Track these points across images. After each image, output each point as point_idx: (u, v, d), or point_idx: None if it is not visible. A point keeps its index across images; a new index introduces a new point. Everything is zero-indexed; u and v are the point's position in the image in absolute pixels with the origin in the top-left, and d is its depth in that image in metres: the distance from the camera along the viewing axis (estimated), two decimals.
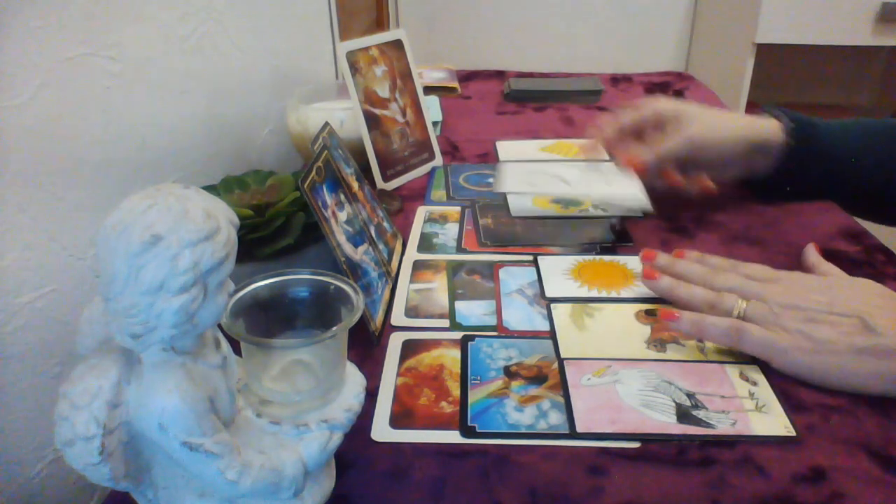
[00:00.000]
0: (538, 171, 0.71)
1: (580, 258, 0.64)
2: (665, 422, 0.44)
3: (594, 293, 0.59)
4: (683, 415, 0.45)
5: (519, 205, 0.74)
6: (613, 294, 0.58)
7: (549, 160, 0.88)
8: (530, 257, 0.65)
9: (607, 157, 0.89)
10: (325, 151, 0.57)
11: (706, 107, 0.72)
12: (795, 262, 0.61)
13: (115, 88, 0.58)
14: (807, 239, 0.63)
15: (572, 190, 0.68)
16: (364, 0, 1.44)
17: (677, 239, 0.68)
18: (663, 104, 0.73)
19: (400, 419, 0.45)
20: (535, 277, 0.61)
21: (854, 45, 1.46)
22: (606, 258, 0.64)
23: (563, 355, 0.51)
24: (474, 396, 0.47)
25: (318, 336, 0.36)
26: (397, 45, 0.85)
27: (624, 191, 0.70)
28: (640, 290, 0.58)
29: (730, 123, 0.71)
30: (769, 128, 0.71)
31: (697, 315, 0.51)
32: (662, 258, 0.59)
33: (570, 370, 0.49)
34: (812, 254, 0.60)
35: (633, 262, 0.63)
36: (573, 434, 0.43)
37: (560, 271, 0.62)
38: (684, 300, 0.54)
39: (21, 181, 0.49)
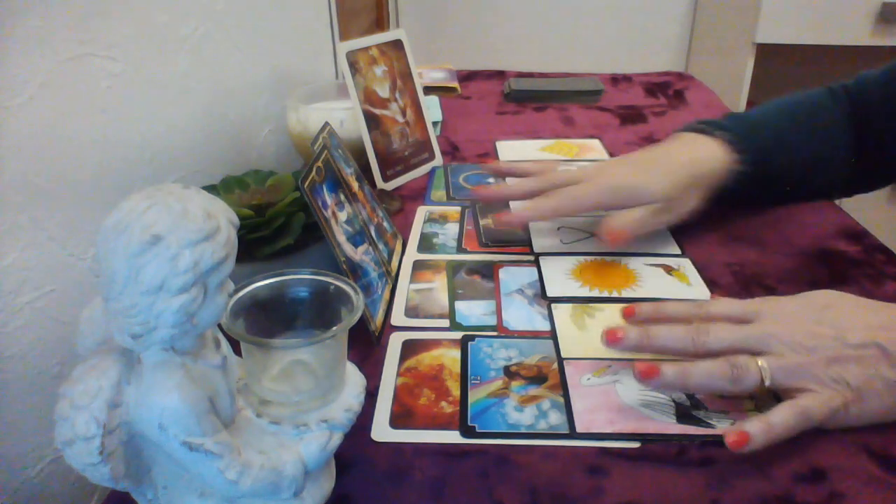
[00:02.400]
0: (566, 227, 0.69)
1: (582, 258, 0.64)
2: (665, 422, 0.44)
3: (595, 293, 0.58)
4: (683, 415, 0.45)
5: (519, 206, 0.74)
6: (615, 294, 0.58)
7: (551, 160, 0.88)
8: (530, 257, 0.65)
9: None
10: (325, 151, 0.57)
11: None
12: (796, 263, 0.61)
13: (115, 88, 0.58)
14: (807, 239, 0.63)
15: (605, 246, 0.65)
16: (364, 0, 1.44)
17: (676, 239, 0.68)
18: (562, 176, 0.66)
19: (400, 419, 0.45)
20: (535, 277, 0.61)
21: (854, 45, 1.46)
22: (608, 259, 0.64)
23: (563, 355, 0.51)
24: (474, 396, 0.47)
25: (318, 336, 0.36)
26: (397, 45, 0.85)
27: (658, 245, 0.66)
28: (643, 290, 0.58)
29: (656, 167, 0.64)
30: (710, 159, 0.64)
31: (760, 422, 0.42)
32: (632, 334, 0.48)
33: (569, 370, 0.49)
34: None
35: (634, 263, 0.63)
36: (573, 434, 0.43)
37: (562, 271, 0.62)
38: (703, 385, 0.45)
39: (21, 181, 0.49)
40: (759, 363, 0.44)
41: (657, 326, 0.48)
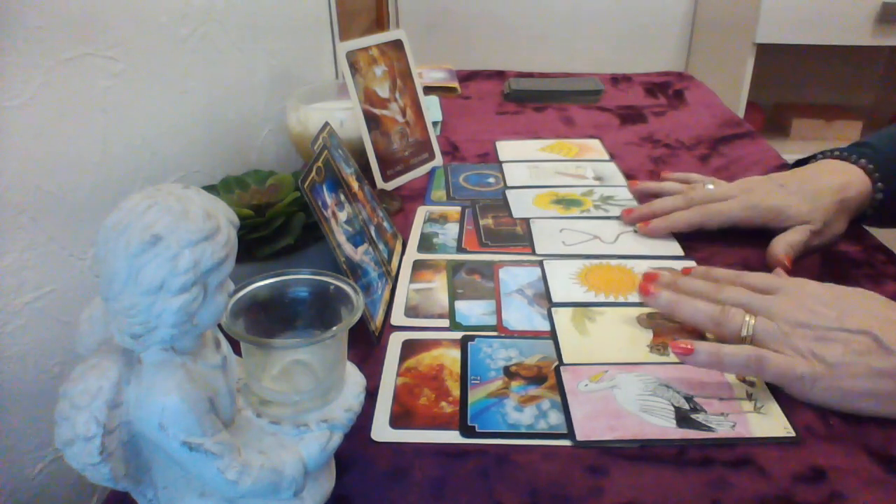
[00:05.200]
0: (568, 229, 0.70)
1: (587, 262, 0.64)
2: (664, 426, 0.44)
3: (601, 298, 0.58)
4: (683, 419, 0.45)
5: (520, 206, 0.74)
6: (621, 299, 0.58)
7: (550, 160, 0.88)
8: (531, 257, 0.65)
9: (607, 158, 0.89)
10: (325, 151, 0.57)
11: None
12: (796, 263, 0.61)
13: (115, 88, 0.58)
14: None
15: (609, 248, 0.66)
16: (364, 0, 1.44)
17: (676, 236, 0.68)
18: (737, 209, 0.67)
19: (400, 419, 0.45)
20: (535, 277, 0.61)
21: (854, 45, 1.47)
22: (613, 262, 0.64)
23: (565, 360, 0.50)
24: (474, 396, 0.47)
25: (318, 336, 0.36)
26: (397, 45, 0.85)
27: (661, 248, 0.67)
28: None
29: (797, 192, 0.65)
30: (856, 184, 0.65)
31: (713, 346, 0.47)
32: (665, 276, 0.57)
33: (566, 376, 0.49)
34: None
35: (640, 267, 0.62)
36: (574, 444, 0.43)
37: (567, 276, 0.61)
38: (687, 317, 0.52)
39: (21, 181, 0.49)
40: (747, 318, 0.48)
41: (687, 279, 0.56)
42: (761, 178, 0.69)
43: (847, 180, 0.65)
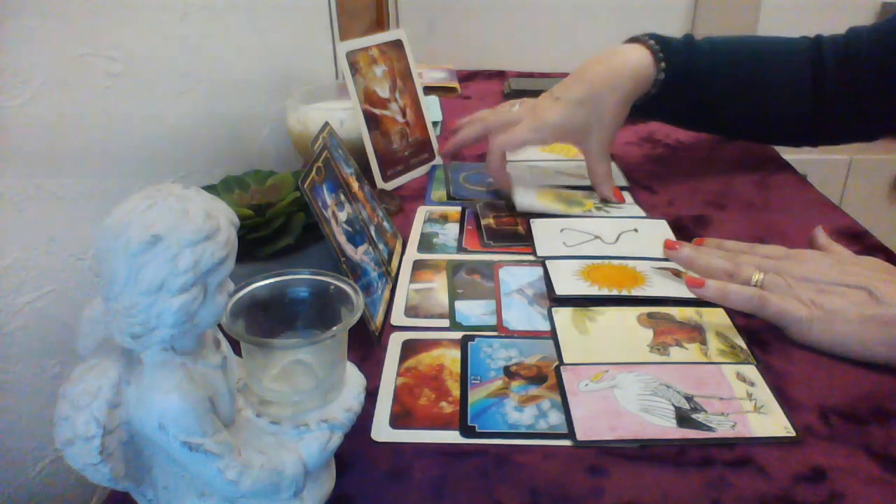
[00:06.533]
0: (569, 228, 0.70)
1: (588, 261, 0.63)
2: (665, 426, 0.44)
3: (605, 292, 0.58)
4: (683, 419, 0.45)
5: (524, 201, 0.74)
6: (625, 293, 0.58)
7: (550, 160, 0.88)
8: (531, 257, 0.65)
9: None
10: (325, 151, 0.57)
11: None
12: None
13: (115, 88, 0.58)
14: (806, 239, 0.63)
15: (609, 248, 0.66)
16: (364, 0, 1.44)
17: (678, 239, 0.68)
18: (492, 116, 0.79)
19: (400, 419, 0.45)
20: (535, 277, 0.61)
21: None
22: (615, 262, 0.63)
23: (565, 360, 0.50)
24: (474, 396, 0.47)
25: (318, 336, 0.36)
26: (397, 45, 0.85)
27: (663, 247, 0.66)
28: (652, 290, 0.58)
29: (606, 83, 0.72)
30: (642, 67, 0.72)
31: (722, 283, 0.54)
32: (686, 248, 0.61)
33: (566, 376, 0.49)
34: (821, 235, 0.62)
35: (642, 266, 0.62)
36: (574, 444, 0.43)
37: (570, 273, 0.61)
38: (704, 268, 0.57)
39: (21, 181, 0.49)
40: (757, 276, 0.54)
41: (705, 249, 0.61)
42: (543, 95, 0.75)
43: (617, 64, 0.71)
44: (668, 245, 0.61)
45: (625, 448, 0.42)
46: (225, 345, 0.36)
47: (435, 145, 0.88)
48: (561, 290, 0.58)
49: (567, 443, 0.43)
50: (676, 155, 0.92)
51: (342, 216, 0.55)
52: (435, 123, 1.02)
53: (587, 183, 0.81)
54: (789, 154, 0.90)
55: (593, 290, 0.58)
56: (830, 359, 0.50)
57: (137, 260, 0.28)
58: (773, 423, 0.44)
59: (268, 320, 0.39)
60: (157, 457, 0.34)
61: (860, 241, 0.67)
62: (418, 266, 0.64)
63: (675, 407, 0.45)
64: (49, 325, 0.52)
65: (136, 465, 0.34)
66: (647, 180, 0.82)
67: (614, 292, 0.58)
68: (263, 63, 0.88)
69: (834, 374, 0.49)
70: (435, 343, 0.53)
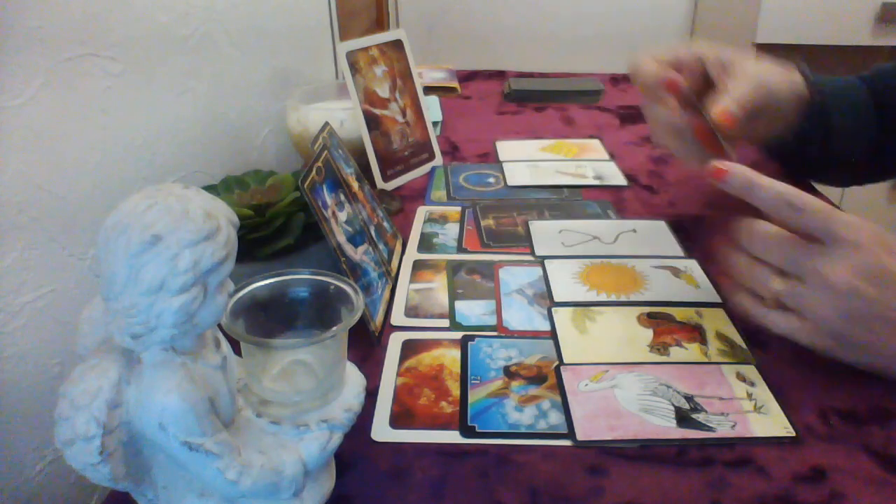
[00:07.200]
0: (567, 229, 0.70)
1: (588, 261, 0.64)
2: (665, 426, 0.44)
3: (603, 297, 0.58)
4: (683, 419, 0.45)
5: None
6: (623, 298, 0.58)
7: (550, 160, 0.88)
8: (531, 257, 0.65)
9: (607, 158, 0.89)
10: (325, 151, 0.57)
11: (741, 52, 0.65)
12: None
13: (115, 88, 0.58)
14: None
15: (608, 248, 0.66)
16: (364, 0, 1.44)
17: (678, 239, 0.68)
18: (705, 50, 0.65)
19: (400, 419, 0.45)
20: (535, 277, 0.61)
21: (854, 45, 1.46)
22: (615, 261, 0.63)
23: (565, 360, 0.50)
24: (474, 396, 0.47)
25: (318, 336, 0.36)
26: (397, 45, 0.85)
27: (661, 248, 0.66)
28: (651, 293, 0.58)
29: (782, 72, 0.67)
30: (799, 82, 0.67)
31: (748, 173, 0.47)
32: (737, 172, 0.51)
33: (566, 376, 0.49)
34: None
35: (641, 265, 0.62)
36: (574, 444, 0.43)
37: (568, 275, 0.61)
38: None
39: (21, 181, 0.49)
40: (782, 319, 0.47)
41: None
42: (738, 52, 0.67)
43: (785, 74, 0.66)
44: (714, 174, 0.49)
45: (625, 448, 0.42)
46: (225, 345, 0.36)
47: (435, 145, 0.88)
48: (559, 296, 0.58)
49: (567, 443, 0.43)
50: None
51: (342, 216, 0.55)
52: (435, 123, 1.02)
53: (587, 183, 0.81)
54: None
55: (591, 296, 0.58)
56: (830, 359, 0.50)
57: (137, 260, 0.28)
58: (773, 423, 0.44)
59: (268, 320, 0.39)
60: (157, 457, 0.34)
61: None
62: (418, 266, 0.64)
63: (675, 407, 0.45)
64: (49, 325, 0.52)
65: (136, 465, 0.34)
66: (648, 180, 0.83)
67: (613, 297, 0.58)
68: (263, 63, 0.88)
69: (834, 374, 0.48)
70: (435, 343, 0.53)
